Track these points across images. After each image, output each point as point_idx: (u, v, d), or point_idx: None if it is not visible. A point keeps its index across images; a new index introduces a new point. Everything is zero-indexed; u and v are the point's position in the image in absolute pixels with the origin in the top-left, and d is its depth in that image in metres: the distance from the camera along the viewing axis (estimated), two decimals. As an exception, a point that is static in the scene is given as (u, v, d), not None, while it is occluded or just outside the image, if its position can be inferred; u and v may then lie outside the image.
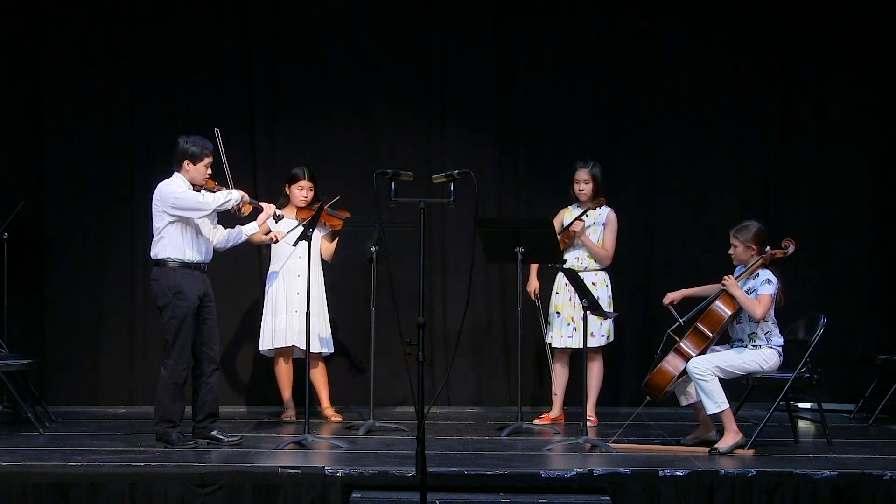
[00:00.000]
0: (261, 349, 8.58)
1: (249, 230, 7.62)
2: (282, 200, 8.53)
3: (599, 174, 8.38)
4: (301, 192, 8.46)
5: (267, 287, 8.55)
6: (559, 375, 8.51)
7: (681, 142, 9.54)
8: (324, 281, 8.57)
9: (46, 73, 9.43)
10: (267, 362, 9.01)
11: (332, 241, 8.48)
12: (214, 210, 7.30)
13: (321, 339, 8.46)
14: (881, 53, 9.51)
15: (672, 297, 7.50)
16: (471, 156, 9.32)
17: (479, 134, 9.54)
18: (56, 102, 9.42)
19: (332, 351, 8.63)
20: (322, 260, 8.53)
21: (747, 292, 7.27)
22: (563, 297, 8.39)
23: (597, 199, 8.34)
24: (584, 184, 8.37)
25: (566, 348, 8.42)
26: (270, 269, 8.54)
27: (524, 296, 8.17)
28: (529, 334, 9.09)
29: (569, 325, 8.35)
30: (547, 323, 8.49)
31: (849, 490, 6.43)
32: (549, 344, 8.47)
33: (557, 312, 8.43)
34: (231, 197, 7.34)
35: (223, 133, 7.53)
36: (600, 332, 8.22)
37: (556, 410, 8.54)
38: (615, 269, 8.75)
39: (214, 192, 7.37)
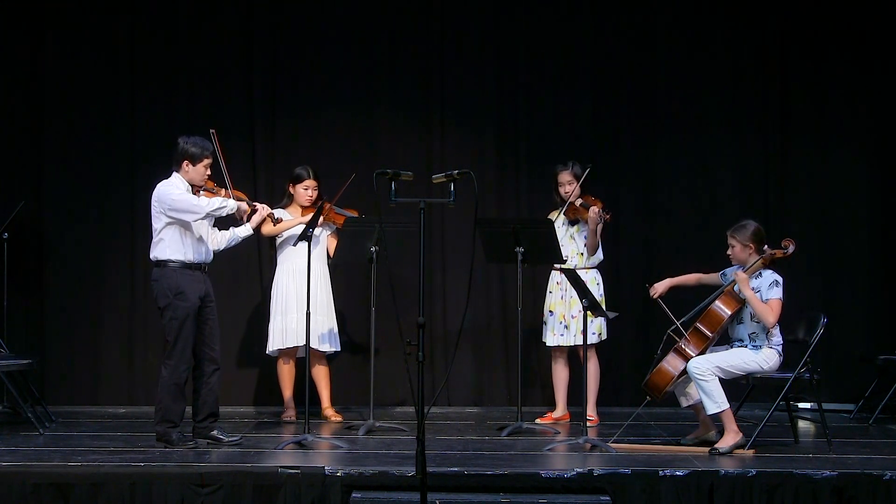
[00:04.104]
0: (269, 349, 8.56)
1: (242, 232, 7.60)
2: (286, 200, 8.54)
3: (581, 171, 8.39)
4: (306, 191, 8.46)
5: (274, 287, 8.54)
6: (558, 375, 8.52)
7: (681, 142, 9.54)
8: (330, 279, 8.57)
9: (47, 73, 9.44)
10: (267, 362, 9.01)
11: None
12: (208, 215, 7.29)
13: (329, 337, 8.46)
14: (881, 53, 9.51)
15: (658, 289, 7.50)
16: (471, 156, 9.33)
17: (479, 134, 9.54)
18: (56, 102, 9.43)
19: (339, 349, 8.63)
20: (329, 258, 8.52)
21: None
22: (555, 295, 8.40)
23: (584, 196, 8.34)
24: (568, 185, 8.38)
25: (562, 347, 8.42)
26: (278, 269, 8.54)
27: (524, 295, 8.17)
28: (529, 334, 9.09)
29: (560, 323, 8.36)
30: (543, 323, 8.51)
31: (849, 490, 6.43)
32: (545, 343, 8.49)
33: (550, 311, 8.44)
34: (227, 204, 7.33)
35: (223, 132, 7.53)
36: (591, 329, 8.20)
37: (559, 410, 8.55)
38: (614, 268, 8.75)
39: (214, 192, 7.38)
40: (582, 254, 8.37)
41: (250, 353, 9.34)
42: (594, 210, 8.19)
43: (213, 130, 7.42)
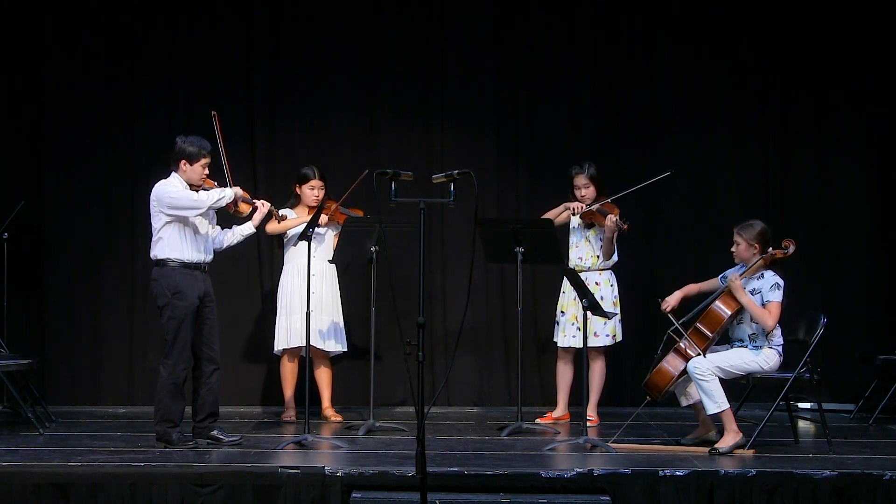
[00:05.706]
0: (276, 349, 8.56)
1: (245, 230, 7.59)
2: (293, 201, 8.53)
3: (598, 173, 8.38)
4: (313, 191, 8.46)
5: (281, 287, 8.54)
6: (563, 375, 8.52)
7: (681, 142, 9.54)
8: (338, 279, 8.57)
9: (46, 73, 9.44)
10: (267, 362, 9.01)
11: None
12: (209, 208, 7.29)
13: (335, 336, 8.46)
14: (881, 53, 9.52)
15: (670, 303, 7.44)
16: (471, 156, 9.32)
17: (479, 134, 9.55)
18: (56, 102, 9.43)
19: (346, 349, 8.62)
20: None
21: (751, 293, 7.26)
22: (568, 296, 8.38)
23: (600, 197, 8.32)
24: (584, 188, 8.37)
25: (570, 348, 8.42)
26: (284, 269, 8.53)
27: (524, 296, 8.17)
28: (529, 334, 9.09)
29: (572, 324, 8.35)
30: (555, 323, 8.51)
31: (849, 490, 6.43)
32: (556, 342, 8.49)
33: (562, 312, 8.44)
34: (224, 194, 7.32)
35: (223, 132, 7.52)
36: (604, 332, 8.23)
37: (559, 409, 8.55)
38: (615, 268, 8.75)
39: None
40: (597, 256, 8.36)
41: (250, 352, 9.33)
42: (611, 219, 8.16)
43: (215, 112, 7.41)
